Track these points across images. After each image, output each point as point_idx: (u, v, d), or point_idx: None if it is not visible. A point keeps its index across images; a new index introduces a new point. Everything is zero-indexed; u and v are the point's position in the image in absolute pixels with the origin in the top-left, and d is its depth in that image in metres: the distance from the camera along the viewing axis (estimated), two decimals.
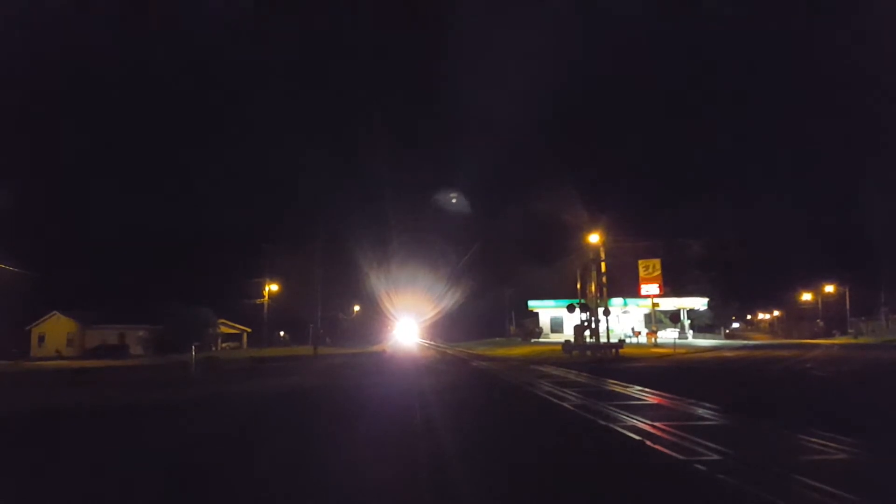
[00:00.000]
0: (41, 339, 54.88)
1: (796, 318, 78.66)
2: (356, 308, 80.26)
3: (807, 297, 75.04)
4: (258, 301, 61.57)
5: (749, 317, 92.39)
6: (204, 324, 55.34)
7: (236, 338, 65.67)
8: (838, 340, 56.79)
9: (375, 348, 55.72)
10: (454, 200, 58.85)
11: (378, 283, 71.10)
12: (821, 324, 71.36)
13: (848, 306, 66.65)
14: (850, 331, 65.12)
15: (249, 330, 65.53)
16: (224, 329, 62.85)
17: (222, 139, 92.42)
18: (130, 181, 74.86)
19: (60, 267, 55.17)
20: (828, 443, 8.57)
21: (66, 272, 55.87)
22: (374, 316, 79.53)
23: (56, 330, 54.56)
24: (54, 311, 54.50)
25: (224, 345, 60.86)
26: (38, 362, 42.50)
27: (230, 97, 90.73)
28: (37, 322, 54.95)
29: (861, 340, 55.97)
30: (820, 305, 72.80)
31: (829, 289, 70.02)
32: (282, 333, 73.12)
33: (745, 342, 56.44)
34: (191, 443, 9.92)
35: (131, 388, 20.30)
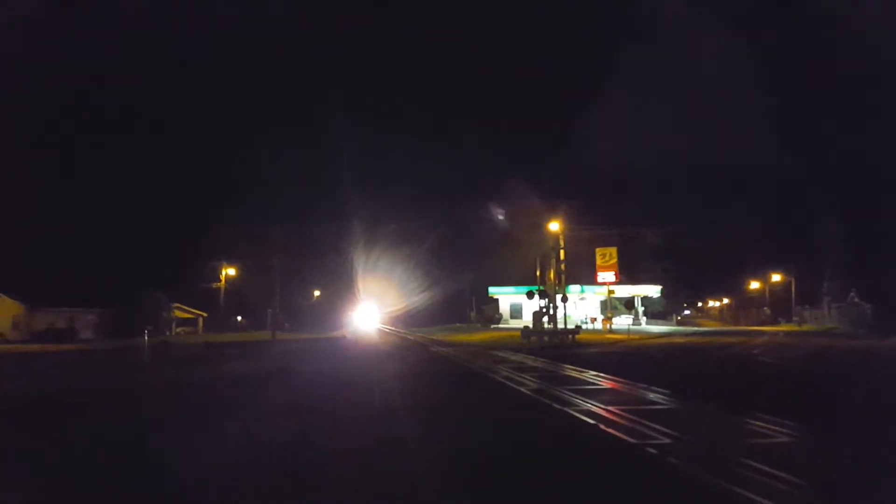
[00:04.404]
0: None
1: (744, 305, 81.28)
2: (316, 293, 79.45)
3: (755, 285, 77.58)
4: (215, 285, 60.42)
5: (700, 304, 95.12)
6: (157, 308, 53.97)
7: (192, 322, 64.24)
8: (783, 328, 59.06)
9: (336, 334, 55.35)
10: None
11: (340, 268, 70.55)
12: (767, 311, 73.92)
13: (793, 295, 69.26)
14: (794, 319, 67.73)
15: (206, 314, 64.18)
16: (179, 313, 61.38)
17: (181, 118, 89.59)
18: (82, 160, 71.89)
19: (7, 248, 52.84)
20: (772, 426, 8.93)
21: (12, 253, 53.55)
22: (335, 301, 78.93)
23: (1, 312, 52.42)
24: None
25: (179, 329, 59.49)
26: None
27: (191, 76, 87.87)
28: None
29: (805, 328, 58.34)
30: (767, 294, 75.36)
31: (776, 278, 72.50)
32: (239, 318, 71.87)
33: (696, 329, 58.15)
34: (130, 432, 9.70)
35: (76, 375, 19.70)
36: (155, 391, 15.09)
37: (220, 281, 61.21)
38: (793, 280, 68.94)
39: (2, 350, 34.35)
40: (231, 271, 62.15)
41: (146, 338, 27.08)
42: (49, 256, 57.04)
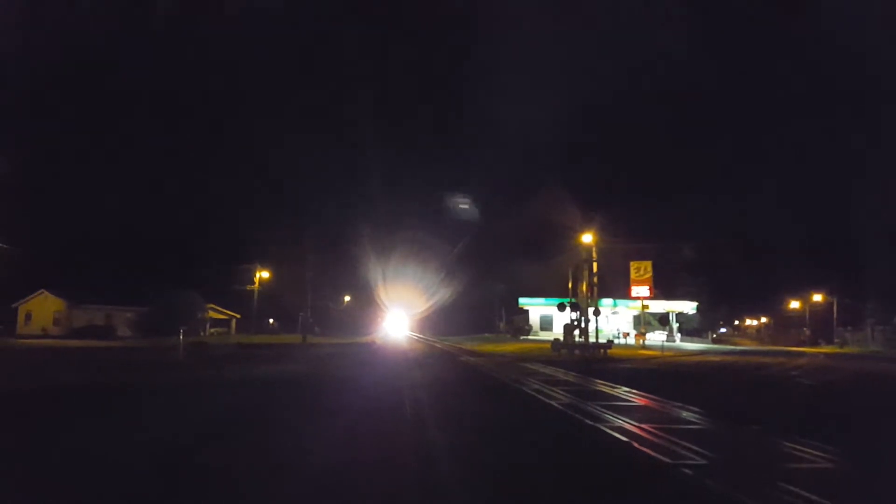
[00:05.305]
0: (28, 316, 54.33)
1: (783, 325, 79.17)
2: (346, 298, 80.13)
3: (794, 305, 75.47)
4: (249, 287, 61.28)
5: (737, 322, 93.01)
6: (192, 308, 54.98)
7: (225, 323, 65.39)
8: (824, 349, 57.29)
9: (365, 339, 55.69)
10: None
11: (369, 274, 71.09)
12: (807, 332, 71.83)
13: (835, 316, 67.14)
14: (835, 340, 65.62)
15: (238, 316, 65.27)
16: (213, 314, 62.55)
17: (218, 124, 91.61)
18: (122, 162, 74.05)
19: (49, 245, 54.61)
20: (812, 451, 8.64)
21: (55, 250, 55.33)
22: (365, 307, 79.47)
23: (43, 308, 54.04)
24: (42, 290, 53.96)
25: (212, 330, 60.58)
26: (24, 340, 42.19)
27: (225, 83, 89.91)
28: (24, 299, 54.44)
29: (846, 350, 56.50)
30: (807, 314, 73.21)
31: (818, 298, 70.42)
32: (271, 321, 72.91)
33: (733, 347, 56.82)
34: (173, 429, 9.88)
35: (120, 371, 20.22)
36: (194, 391, 15.37)
37: (254, 283, 62.10)
38: (834, 301, 66.89)
39: (47, 345, 35.48)
40: (265, 274, 62.98)
41: (181, 337, 27.61)
42: (89, 255, 58.74)
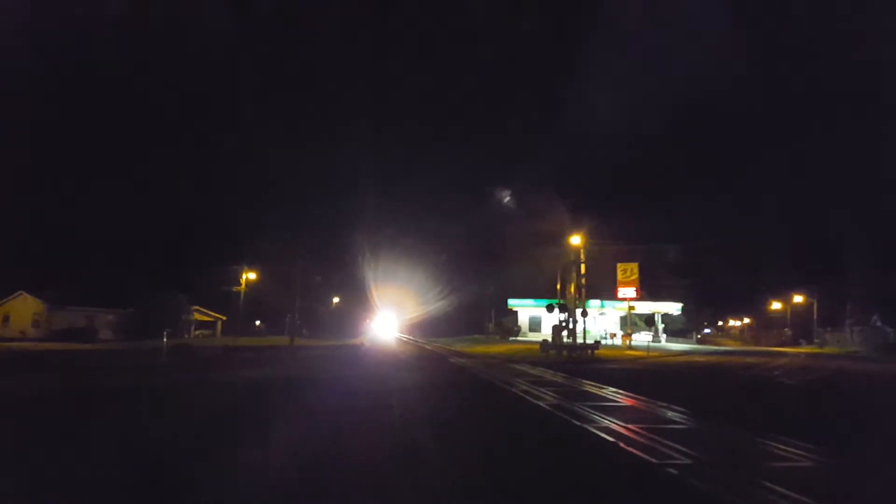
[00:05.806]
0: (6, 318, 53.35)
1: (766, 326, 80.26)
2: (335, 300, 79.89)
3: (777, 306, 76.62)
4: (235, 289, 60.90)
5: (721, 323, 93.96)
6: (177, 310, 54.51)
7: (210, 325, 64.91)
8: (804, 349, 58.21)
9: (353, 341, 55.59)
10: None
11: (359, 275, 70.99)
12: (788, 332, 72.96)
13: (815, 317, 68.35)
14: (816, 340, 66.83)
15: (224, 318, 64.82)
16: (198, 316, 62.08)
17: (209, 125, 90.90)
18: (105, 162, 73.24)
19: (29, 246, 53.84)
20: (795, 450, 8.86)
21: (34, 251, 54.56)
22: (354, 309, 79.32)
23: (22, 310, 53.04)
24: (21, 291, 52.98)
25: (197, 332, 60.13)
26: (1, 343, 41.53)
27: (214, 81, 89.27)
28: (2, 301, 53.56)
29: (826, 350, 57.49)
30: (789, 315, 74.38)
31: (799, 299, 71.60)
32: (258, 323, 72.51)
33: (717, 348, 57.46)
34: (156, 433, 9.89)
35: (100, 375, 20.07)
36: (182, 394, 15.32)
37: (241, 285, 61.76)
38: (815, 302, 68.06)
39: (25, 348, 34.89)
40: (251, 275, 62.63)
41: (165, 339, 27.41)
42: (70, 256, 57.92)
